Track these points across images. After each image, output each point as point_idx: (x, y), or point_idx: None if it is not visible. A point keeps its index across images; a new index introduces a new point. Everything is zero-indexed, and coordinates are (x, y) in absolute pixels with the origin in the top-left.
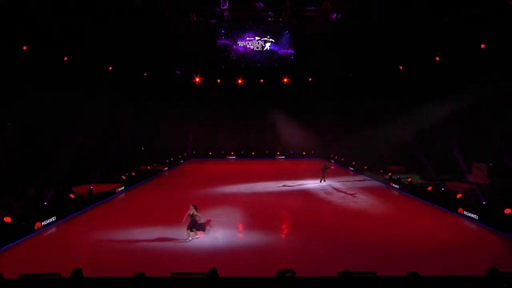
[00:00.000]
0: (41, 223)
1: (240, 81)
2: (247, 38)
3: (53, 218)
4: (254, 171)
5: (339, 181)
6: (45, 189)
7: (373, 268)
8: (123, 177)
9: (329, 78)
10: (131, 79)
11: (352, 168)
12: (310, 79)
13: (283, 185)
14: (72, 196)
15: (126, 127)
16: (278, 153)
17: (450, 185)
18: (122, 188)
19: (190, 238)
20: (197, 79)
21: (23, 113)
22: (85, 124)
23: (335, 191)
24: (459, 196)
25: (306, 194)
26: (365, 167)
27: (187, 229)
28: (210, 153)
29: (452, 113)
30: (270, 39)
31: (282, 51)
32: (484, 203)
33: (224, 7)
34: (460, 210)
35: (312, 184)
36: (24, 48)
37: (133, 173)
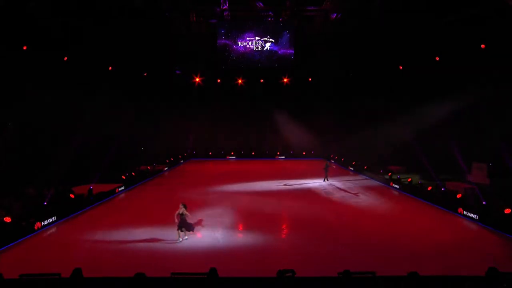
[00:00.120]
0: (41, 223)
1: (240, 81)
2: (247, 38)
3: (53, 218)
4: (254, 171)
5: (339, 181)
6: (45, 189)
7: (373, 268)
8: (123, 177)
9: (329, 78)
10: (131, 79)
11: (352, 168)
12: (310, 79)
13: (283, 185)
14: (72, 196)
15: (126, 127)
16: (278, 153)
17: (450, 185)
18: (122, 188)
19: (181, 239)
20: (197, 79)
21: (23, 113)
22: (85, 124)
23: (335, 191)
24: (459, 196)
25: (306, 194)
26: (365, 167)
27: (178, 229)
28: (210, 153)
29: (452, 113)
30: (270, 39)
31: (282, 51)
32: (484, 203)
33: (224, 7)
34: (460, 210)
35: (312, 184)
36: (24, 48)
37: (133, 173)
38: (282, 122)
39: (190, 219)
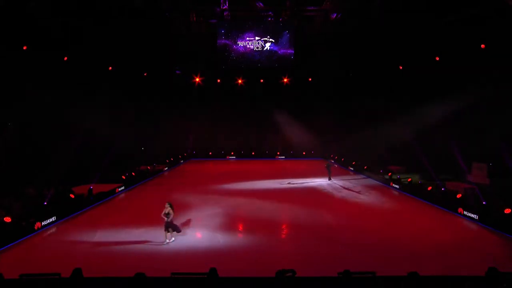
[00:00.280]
0: (41, 223)
1: (240, 81)
2: (247, 38)
3: (53, 218)
4: (254, 171)
5: (339, 181)
6: (45, 189)
7: (373, 268)
8: (123, 177)
9: (329, 78)
10: (131, 79)
11: (352, 168)
12: (310, 79)
13: (283, 185)
14: (72, 196)
15: (126, 127)
16: (278, 153)
17: (450, 185)
18: (122, 188)
19: (168, 240)
20: (197, 79)
21: (23, 113)
22: (85, 124)
23: (335, 191)
24: (459, 196)
25: (306, 193)
26: (365, 167)
27: (165, 230)
28: (210, 153)
29: (452, 113)
30: (270, 39)
31: (282, 51)
32: (484, 203)
33: (224, 7)
34: (460, 210)
35: (312, 184)
36: (24, 48)
37: (133, 173)
38: (282, 122)
39: (176, 219)
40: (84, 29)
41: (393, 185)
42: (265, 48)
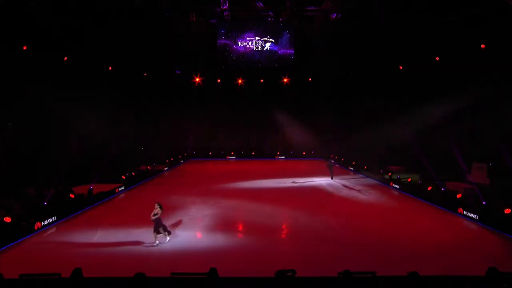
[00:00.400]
0: (41, 223)
1: (240, 81)
2: (247, 38)
3: (53, 218)
4: (254, 171)
5: (339, 181)
6: (45, 189)
7: (373, 268)
8: (123, 177)
9: (329, 78)
10: (131, 79)
11: (352, 168)
12: (310, 79)
13: (283, 185)
14: (72, 196)
15: (126, 127)
16: (278, 153)
17: (450, 185)
18: (122, 188)
19: (158, 242)
20: (197, 79)
21: (23, 113)
22: (85, 124)
23: (335, 191)
24: (459, 196)
25: (306, 193)
26: (365, 167)
27: (154, 231)
28: (210, 153)
29: (452, 113)
30: (270, 39)
31: (282, 51)
32: (484, 203)
33: (224, 7)
34: (460, 210)
35: (312, 184)
36: (24, 48)
37: (133, 173)
38: (282, 122)
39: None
40: (84, 29)
41: (393, 185)
42: (265, 48)
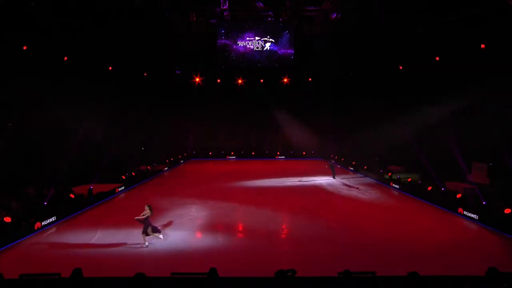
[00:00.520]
0: (41, 223)
1: (240, 81)
2: (247, 38)
3: (53, 218)
4: (254, 171)
5: (339, 181)
6: (45, 189)
7: (373, 268)
8: (123, 177)
9: (329, 78)
10: (131, 79)
11: (352, 168)
12: (310, 79)
13: (283, 185)
14: (72, 196)
15: (126, 127)
16: (278, 153)
17: (450, 185)
18: (122, 188)
19: (147, 243)
20: (197, 79)
21: (23, 113)
22: (85, 124)
23: (335, 191)
24: (459, 196)
25: (306, 193)
26: (365, 167)
27: (142, 233)
28: (210, 153)
29: (452, 113)
30: (270, 39)
31: (282, 51)
32: (484, 203)
33: (224, 7)
34: (460, 210)
35: (311, 184)
36: (24, 48)
37: (133, 173)
38: (282, 122)
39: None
40: (84, 29)
41: (393, 185)
42: (265, 48)
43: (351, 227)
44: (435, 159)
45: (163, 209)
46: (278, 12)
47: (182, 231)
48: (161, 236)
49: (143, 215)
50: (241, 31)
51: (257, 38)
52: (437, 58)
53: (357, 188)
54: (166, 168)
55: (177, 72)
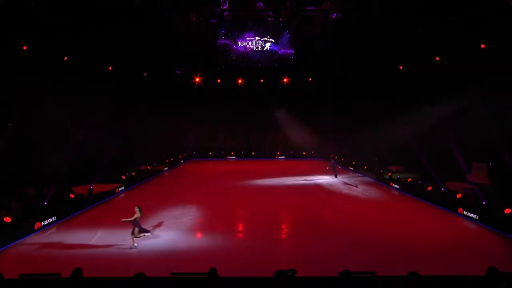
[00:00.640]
0: (41, 223)
1: (240, 81)
2: (247, 38)
3: (53, 218)
4: (254, 171)
5: (339, 181)
6: (45, 189)
7: (373, 268)
8: (123, 177)
9: (329, 78)
10: (131, 79)
11: (352, 168)
12: (310, 79)
13: (283, 185)
14: (72, 196)
15: (126, 127)
16: (278, 153)
17: (450, 185)
18: (122, 188)
19: (136, 245)
20: (197, 79)
21: (23, 113)
22: (85, 124)
23: (335, 190)
24: (459, 196)
25: (306, 193)
26: (365, 167)
27: (131, 234)
28: (210, 153)
29: (452, 113)
30: (270, 39)
31: (282, 51)
32: (484, 203)
33: (224, 7)
34: (460, 210)
35: (311, 183)
36: (24, 48)
37: (133, 173)
38: (282, 122)
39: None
40: (84, 29)
41: (393, 185)
42: (265, 48)
43: (351, 227)
44: (435, 159)
45: (163, 209)
46: (278, 12)
47: (182, 231)
48: (149, 234)
49: (134, 217)
50: (241, 31)
51: (257, 38)
52: (437, 58)
53: (357, 188)
54: (166, 168)
55: (177, 72)
